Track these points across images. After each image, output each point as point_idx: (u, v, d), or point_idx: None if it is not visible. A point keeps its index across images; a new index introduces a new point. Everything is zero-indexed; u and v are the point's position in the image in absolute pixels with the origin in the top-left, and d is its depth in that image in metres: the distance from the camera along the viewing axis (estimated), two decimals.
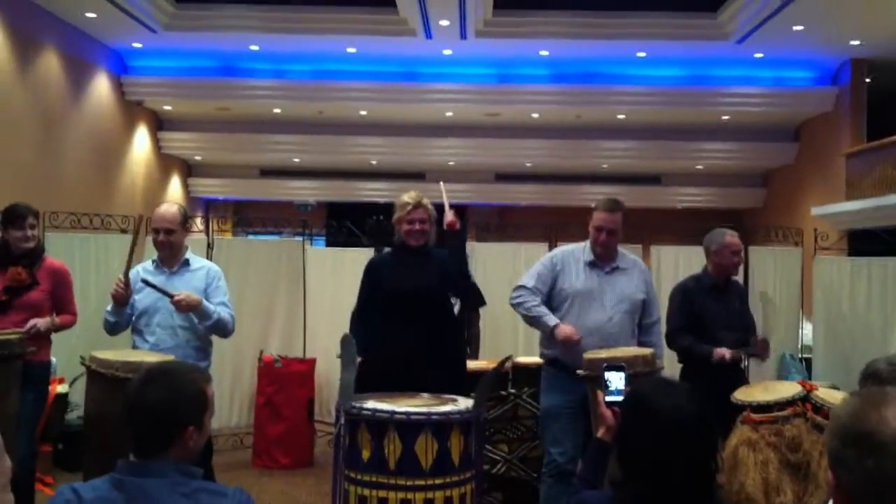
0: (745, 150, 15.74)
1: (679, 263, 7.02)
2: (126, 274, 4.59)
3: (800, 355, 7.26)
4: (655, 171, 17.27)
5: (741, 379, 4.93)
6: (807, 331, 7.40)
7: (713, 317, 4.97)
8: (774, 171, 16.66)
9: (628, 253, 4.72)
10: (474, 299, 5.86)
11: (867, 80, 13.36)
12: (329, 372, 7.02)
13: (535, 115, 15.00)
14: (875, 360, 2.50)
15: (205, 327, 4.64)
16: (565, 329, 4.35)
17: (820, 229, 7.57)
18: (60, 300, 4.86)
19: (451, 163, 16.66)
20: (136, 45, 13.05)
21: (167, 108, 15.16)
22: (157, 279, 4.69)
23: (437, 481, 3.53)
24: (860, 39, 12.15)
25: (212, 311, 4.59)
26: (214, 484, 2.32)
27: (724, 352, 4.79)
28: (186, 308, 4.51)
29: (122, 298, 4.58)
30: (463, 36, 12.32)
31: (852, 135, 13.27)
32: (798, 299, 7.26)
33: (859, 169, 12.62)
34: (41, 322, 4.66)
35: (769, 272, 7.25)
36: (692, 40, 12.24)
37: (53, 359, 5.14)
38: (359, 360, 4.08)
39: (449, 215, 4.44)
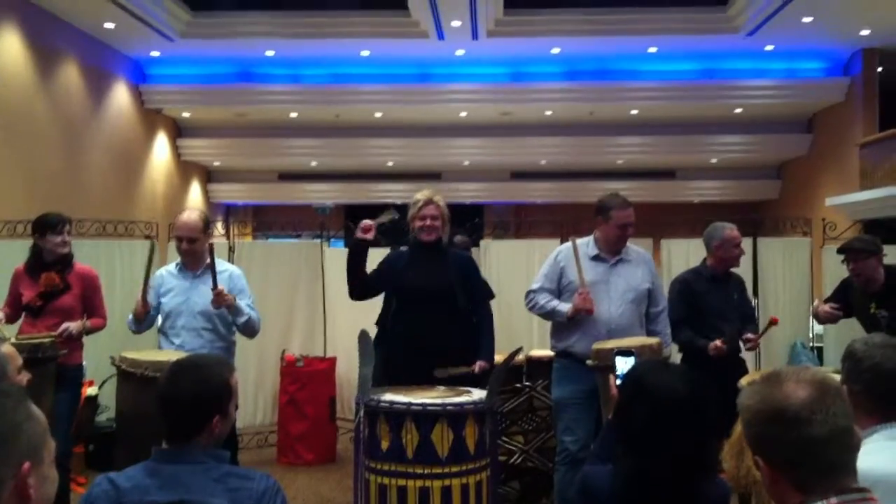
0: (759, 142, 15.80)
1: (689, 256, 7.11)
2: (144, 293, 4.81)
3: (811, 344, 7.36)
4: (670, 165, 17.35)
5: (741, 369, 5.07)
6: None
7: (712, 309, 5.11)
8: (789, 163, 16.70)
9: (632, 245, 4.87)
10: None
11: (879, 69, 13.39)
12: (350, 370, 7.19)
13: (549, 113, 15.12)
14: (854, 340, 2.63)
15: (237, 325, 4.85)
16: (574, 303, 4.53)
17: (834, 219, 7.66)
18: (90, 304, 5.06)
19: (466, 162, 16.80)
20: (154, 53, 13.28)
21: (186, 115, 15.38)
22: (180, 283, 4.89)
23: (454, 469, 3.69)
24: (870, 29, 12.21)
25: (244, 310, 4.80)
26: (243, 468, 2.49)
27: (717, 343, 4.93)
28: (224, 302, 4.70)
29: (141, 316, 4.83)
30: (475, 36, 12.47)
31: (865, 125, 13.31)
32: (808, 289, 7.36)
33: (873, 159, 12.66)
34: (73, 325, 4.85)
35: (778, 263, 7.36)
36: (703, 34, 12.34)
37: (84, 362, 5.33)
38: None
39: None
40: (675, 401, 2.33)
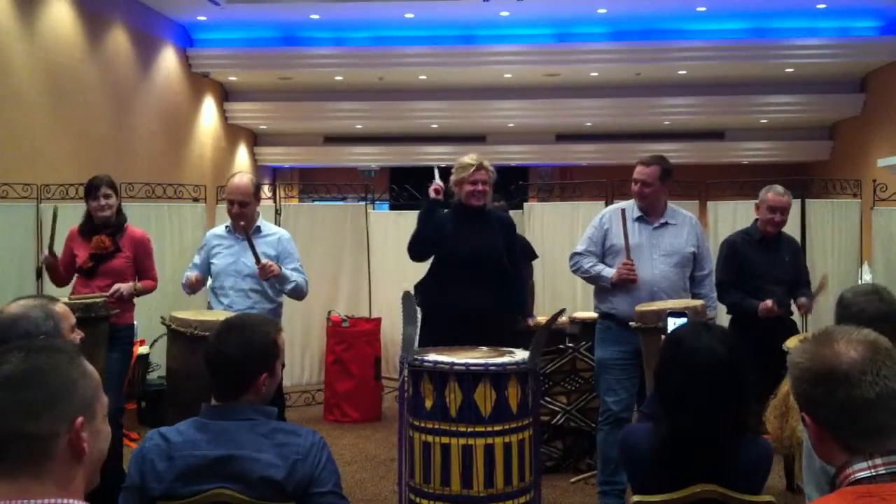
0: (810, 102, 15.47)
1: (736, 218, 7.06)
2: (203, 281, 5.02)
3: None
4: (718, 126, 17.07)
5: (792, 330, 5.03)
6: (867, 281, 7.40)
7: (761, 271, 5.07)
8: (841, 124, 16.35)
9: (679, 208, 4.84)
10: (528, 256, 6.07)
11: None
12: (394, 330, 7.26)
13: (595, 74, 14.95)
14: (844, 290, 2.72)
15: (285, 291, 4.93)
16: (616, 272, 4.52)
17: (885, 181, 7.52)
18: (142, 266, 5.17)
19: (511, 124, 16.70)
20: (201, 18, 13.34)
21: (232, 79, 15.46)
22: (229, 245, 4.97)
23: (497, 428, 3.73)
24: None
25: (290, 278, 4.87)
26: (290, 424, 2.55)
27: (769, 303, 4.90)
28: (269, 274, 4.76)
29: (196, 288, 4.97)
30: None
31: None
32: (857, 251, 7.26)
33: None
34: (124, 286, 4.97)
35: (827, 225, 7.26)
36: None
37: (136, 322, 5.46)
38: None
39: None
40: (714, 363, 2.34)
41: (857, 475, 1.63)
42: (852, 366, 1.67)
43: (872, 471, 1.62)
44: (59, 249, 5.17)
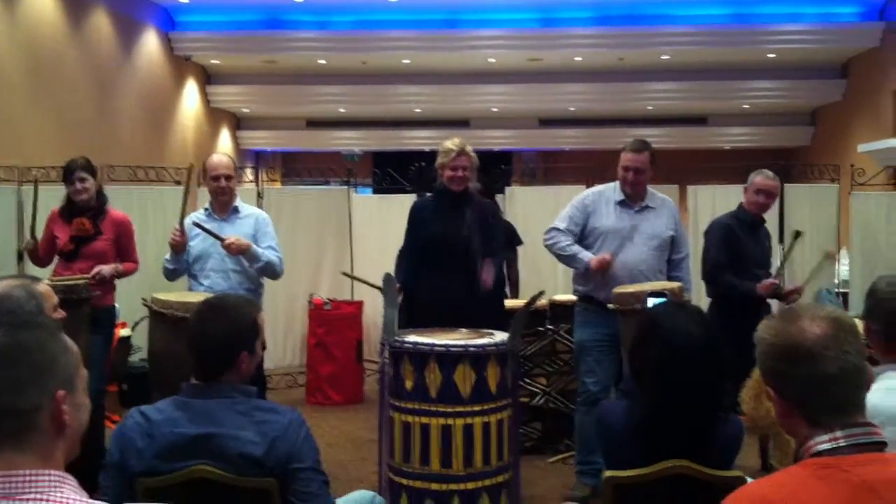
0: (792, 87, 15.54)
1: (716, 203, 7.12)
2: (181, 223, 4.90)
3: (837, 290, 7.36)
4: (701, 111, 17.13)
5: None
6: (844, 266, 7.49)
7: (751, 256, 5.09)
8: (822, 109, 16.44)
9: (657, 192, 4.88)
10: (512, 241, 6.08)
11: None
12: (376, 314, 7.30)
13: (578, 59, 14.96)
14: (880, 277, 2.66)
15: (255, 269, 4.92)
16: (596, 258, 4.55)
17: (865, 166, 7.59)
18: (123, 249, 5.18)
19: (495, 109, 16.71)
20: (183, 0, 13.28)
21: (215, 62, 15.39)
22: (209, 226, 4.98)
23: (476, 408, 3.78)
24: None
25: (260, 254, 4.87)
26: (268, 402, 2.59)
27: (768, 281, 4.93)
28: (236, 251, 4.78)
29: (179, 247, 4.89)
30: None
31: None
32: (834, 236, 7.34)
33: None
34: (105, 268, 4.98)
35: (805, 209, 7.33)
36: None
37: (117, 304, 5.47)
38: (400, 298, 4.34)
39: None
40: (689, 342, 2.38)
41: (818, 447, 1.68)
42: (816, 342, 1.71)
43: (833, 443, 1.67)
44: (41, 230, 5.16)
